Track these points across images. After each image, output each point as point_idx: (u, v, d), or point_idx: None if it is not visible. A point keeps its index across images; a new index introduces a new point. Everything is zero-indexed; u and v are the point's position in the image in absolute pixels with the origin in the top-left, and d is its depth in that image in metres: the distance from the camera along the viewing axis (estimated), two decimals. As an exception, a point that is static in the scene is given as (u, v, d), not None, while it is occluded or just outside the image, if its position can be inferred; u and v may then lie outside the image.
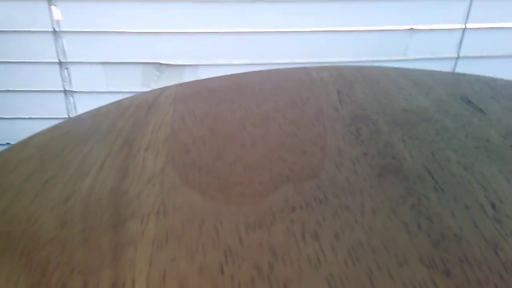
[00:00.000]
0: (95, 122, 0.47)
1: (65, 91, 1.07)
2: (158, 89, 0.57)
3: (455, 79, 0.55)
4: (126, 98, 0.54)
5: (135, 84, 1.06)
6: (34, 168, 0.39)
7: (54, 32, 1.01)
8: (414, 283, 0.25)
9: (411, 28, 0.97)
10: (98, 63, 1.04)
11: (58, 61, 1.04)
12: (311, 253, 0.28)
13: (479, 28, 0.98)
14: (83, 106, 1.08)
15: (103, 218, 0.32)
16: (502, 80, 0.54)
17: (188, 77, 1.04)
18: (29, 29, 1.01)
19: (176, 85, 0.57)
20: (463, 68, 1.03)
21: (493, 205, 0.31)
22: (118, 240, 0.29)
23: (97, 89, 1.07)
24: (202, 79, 0.59)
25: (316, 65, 0.60)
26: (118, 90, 1.06)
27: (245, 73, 0.60)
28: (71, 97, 1.08)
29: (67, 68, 1.05)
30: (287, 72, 0.59)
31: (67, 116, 1.10)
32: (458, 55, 1.01)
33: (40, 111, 1.10)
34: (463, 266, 0.26)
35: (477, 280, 0.25)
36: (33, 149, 0.42)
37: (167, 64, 1.02)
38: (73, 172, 0.38)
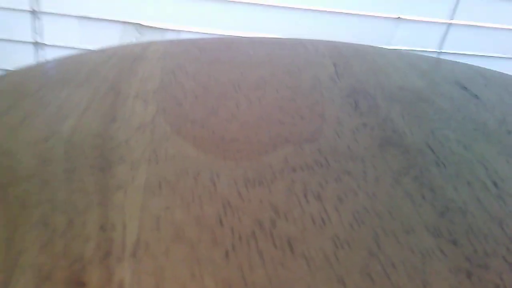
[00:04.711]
0: (74, 67, 0.44)
1: (35, 43, 1.01)
2: (144, 42, 0.54)
3: (449, 65, 0.55)
4: (109, 48, 0.51)
5: (112, 43, 1.00)
6: (9, 104, 0.35)
7: (29, -23, 0.94)
8: (422, 250, 0.24)
9: (399, 17, 0.97)
10: (73, 16, 0.98)
11: (30, 9, 0.97)
12: (314, 213, 0.26)
13: (464, 25, 0.99)
14: (53, 61, 1.02)
15: (87, 160, 0.29)
16: (493, 71, 0.54)
17: (169, 42, 0.99)
18: (1, -29, 0.94)
19: (164, 40, 0.54)
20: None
21: (495, 184, 0.31)
22: (105, 183, 0.27)
23: (70, 44, 1.01)
24: (192, 38, 0.56)
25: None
26: (92, 48, 1.00)
27: (236, 37, 0.57)
28: (41, 50, 1.02)
29: (39, 18, 0.98)
30: (281, 42, 0.56)
31: (35, 70, 1.03)
32: (440, 50, 1.02)
33: (5, 62, 1.03)
34: (470, 237, 0.26)
35: (485, 252, 0.25)
36: (8, 85, 0.38)
37: (148, 26, 0.98)
38: (52, 113, 0.34)
